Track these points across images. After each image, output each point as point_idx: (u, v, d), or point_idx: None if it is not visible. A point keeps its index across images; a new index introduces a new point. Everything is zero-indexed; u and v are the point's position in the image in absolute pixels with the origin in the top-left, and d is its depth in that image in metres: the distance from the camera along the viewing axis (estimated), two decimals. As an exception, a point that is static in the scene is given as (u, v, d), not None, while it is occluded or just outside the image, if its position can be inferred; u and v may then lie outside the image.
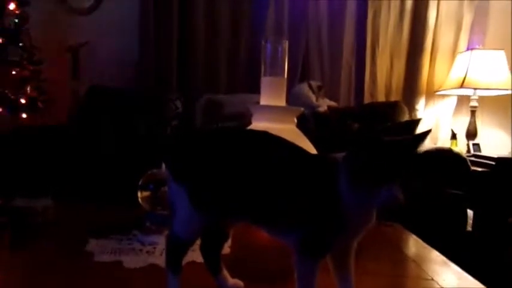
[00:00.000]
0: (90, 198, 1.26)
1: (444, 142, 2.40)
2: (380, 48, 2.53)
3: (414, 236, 1.03)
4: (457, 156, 1.70)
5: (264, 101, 0.72)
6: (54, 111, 2.19)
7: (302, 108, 0.73)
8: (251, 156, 0.55)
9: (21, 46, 2.10)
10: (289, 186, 0.53)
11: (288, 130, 0.69)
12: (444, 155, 1.72)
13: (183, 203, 0.57)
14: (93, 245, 0.79)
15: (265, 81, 0.72)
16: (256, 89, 2.42)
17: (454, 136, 2.26)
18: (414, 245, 1.00)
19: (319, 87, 2.39)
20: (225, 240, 0.65)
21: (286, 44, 0.74)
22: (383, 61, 2.54)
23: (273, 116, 0.69)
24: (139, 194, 0.85)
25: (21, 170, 1.59)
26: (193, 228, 0.59)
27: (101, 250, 0.76)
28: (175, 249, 0.59)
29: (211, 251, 0.64)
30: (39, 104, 2.18)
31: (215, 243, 0.64)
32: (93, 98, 2.24)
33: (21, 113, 2.11)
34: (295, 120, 0.72)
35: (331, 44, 2.57)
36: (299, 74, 2.56)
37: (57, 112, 2.20)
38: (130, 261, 0.71)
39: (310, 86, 2.37)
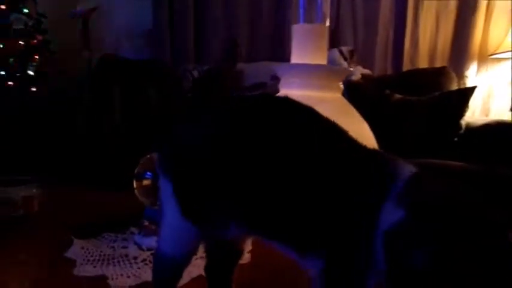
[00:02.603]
0: (93, 182, 1.11)
1: (499, 114, 2.09)
2: (424, 7, 2.20)
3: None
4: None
5: (296, 58, 0.50)
6: (65, 82, 2.05)
7: (351, 69, 0.51)
8: (265, 141, 0.36)
9: (25, 13, 1.94)
10: (318, 188, 0.34)
11: (332, 100, 0.48)
12: (507, 129, 1.45)
13: (170, 206, 0.39)
14: (77, 249, 0.63)
15: (298, 30, 0.50)
16: (279, 58, 2.20)
17: (514, 107, 1.95)
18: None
19: (351, 53, 2.11)
20: (237, 258, 0.46)
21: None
22: (427, 22, 2.21)
23: (311, 80, 0.47)
24: (134, 184, 0.67)
25: (22, 148, 1.45)
26: (184, 243, 0.41)
27: (86, 257, 0.60)
28: (164, 272, 0.41)
29: (218, 272, 0.45)
30: (49, 76, 2.05)
31: (223, 262, 0.45)
32: (105, 69, 2.08)
33: (30, 86, 1.98)
34: (342, 87, 0.50)
35: (366, 3, 2.26)
36: (328, 42, 2.27)
37: (67, 84, 2.06)
38: (119, 278, 0.54)
39: (341, 52, 2.10)
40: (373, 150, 0.38)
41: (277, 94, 0.52)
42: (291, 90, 0.50)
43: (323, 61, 0.51)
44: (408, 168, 0.34)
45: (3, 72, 1.86)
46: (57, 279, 0.54)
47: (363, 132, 0.49)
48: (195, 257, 0.47)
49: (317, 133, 0.37)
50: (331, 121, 0.38)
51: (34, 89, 1.99)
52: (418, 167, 0.35)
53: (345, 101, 0.51)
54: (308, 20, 0.51)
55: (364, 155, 0.37)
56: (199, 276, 0.53)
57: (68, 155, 1.45)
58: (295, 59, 0.50)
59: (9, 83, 1.84)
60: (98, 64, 2.10)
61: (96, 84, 1.98)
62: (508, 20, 2.07)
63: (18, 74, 1.90)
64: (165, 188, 0.41)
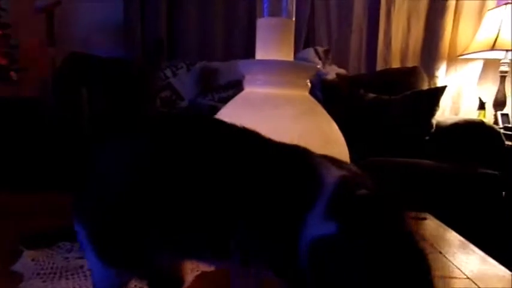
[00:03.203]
0: (52, 186, 1.04)
1: (468, 113, 2.14)
2: (396, 7, 2.23)
3: (436, 221, 0.85)
4: (490, 129, 1.46)
5: (261, 54, 0.47)
6: (27, 81, 1.94)
7: (318, 65, 0.48)
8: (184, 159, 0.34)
9: (-16, 7, 1.83)
10: (235, 195, 0.32)
11: (299, 98, 0.45)
12: (475, 127, 1.48)
13: (89, 254, 0.37)
14: (26, 261, 0.57)
15: (262, 24, 0.47)
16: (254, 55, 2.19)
17: (482, 106, 2.00)
18: (437, 231, 0.81)
19: (326, 52, 2.11)
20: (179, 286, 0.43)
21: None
22: (399, 22, 2.24)
23: (276, 77, 0.45)
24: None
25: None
26: None
27: (35, 270, 0.55)
28: None
29: None
30: (11, 74, 1.94)
31: None
32: (72, 67, 1.98)
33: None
34: (309, 84, 0.48)
35: (340, 3, 2.27)
36: (303, 38, 2.27)
37: (31, 83, 1.95)
38: (70, 292, 0.49)
39: (316, 52, 2.10)
40: (294, 151, 0.34)
41: (242, 92, 0.49)
42: (256, 88, 0.47)
43: (290, 57, 0.48)
44: (336, 172, 0.31)
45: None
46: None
47: (331, 132, 0.47)
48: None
49: (224, 140, 0.34)
50: (239, 127, 0.36)
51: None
52: (374, 166, 0.32)
53: (312, 100, 0.49)
54: (273, 13, 0.48)
55: (280, 158, 0.33)
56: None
57: (24, 160, 1.36)
58: (260, 55, 0.48)
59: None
60: (64, 62, 2.01)
61: (63, 83, 1.88)
62: (476, 21, 2.14)
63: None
64: (82, 236, 0.37)
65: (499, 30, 1.88)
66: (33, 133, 1.58)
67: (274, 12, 0.47)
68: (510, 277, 0.60)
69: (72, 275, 0.54)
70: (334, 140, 0.46)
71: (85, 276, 0.54)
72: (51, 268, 0.56)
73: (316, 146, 0.43)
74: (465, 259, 0.69)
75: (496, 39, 1.88)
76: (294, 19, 0.48)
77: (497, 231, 1.33)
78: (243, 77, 0.50)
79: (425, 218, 0.88)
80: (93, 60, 2.04)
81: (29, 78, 1.95)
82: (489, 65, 2.15)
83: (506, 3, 1.94)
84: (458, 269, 0.62)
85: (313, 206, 0.29)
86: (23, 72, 1.94)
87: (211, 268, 0.53)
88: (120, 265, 0.36)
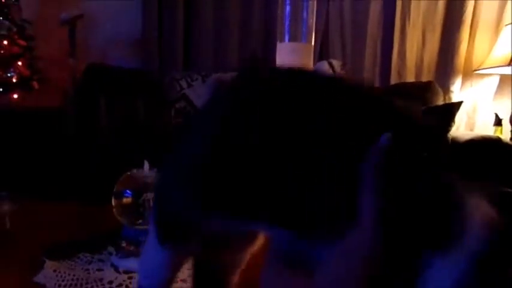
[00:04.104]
0: (75, 197, 1.07)
1: (483, 129, 2.12)
2: (411, 22, 2.23)
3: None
4: (508, 146, 1.44)
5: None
6: (49, 91, 2.00)
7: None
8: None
9: (10, 19, 1.91)
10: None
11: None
12: (492, 144, 1.46)
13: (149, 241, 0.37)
14: (48, 271, 0.59)
15: (282, 48, 0.49)
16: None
17: (499, 122, 1.98)
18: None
19: (342, 66, 2.12)
20: (233, 271, 0.43)
21: (314, 1, 0.51)
22: (414, 36, 2.24)
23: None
24: (113, 202, 0.64)
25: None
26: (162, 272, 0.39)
27: (57, 281, 0.56)
28: None
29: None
30: (34, 84, 2.00)
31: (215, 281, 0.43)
32: (91, 78, 2.04)
33: (13, 93, 1.93)
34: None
35: (354, 17, 2.28)
36: (318, 51, 2.29)
37: (52, 94, 2.02)
38: (91, 305, 0.51)
39: (331, 65, 2.11)
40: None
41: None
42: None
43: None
44: (485, 208, 0.25)
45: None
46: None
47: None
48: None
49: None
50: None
51: (15, 96, 1.95)
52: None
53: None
54: (293, 37, 0.49)
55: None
56: None
57: (47, 170, 1.40)
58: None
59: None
60: (84, 73, 2.07)
61: (82, 93, 1.94)
62: (492, 36, 2.12)
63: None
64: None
65: (516, 46, 1.87)
66: (54, 142, 1.63)
67: (294, 37, 0.49)
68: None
69: (91, 287, 0.56)
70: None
71: (104, 287, 0.56)
72: (72, 280, 0.57)
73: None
74: None
75: (513, 55, 1.86)
76: (312, 43, 0.49)
77: None
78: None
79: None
80: (111, 71, 2.10)
81: (51, 88, 2.01)
82: (505, 80, 2.13)
83: (523, 19, 1.93)
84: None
85: (445, 249, 0.23)
86: (45, 83, 2.01)
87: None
88: (178, 238, 0.36)
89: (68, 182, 1.31)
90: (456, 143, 1.61)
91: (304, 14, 0.50)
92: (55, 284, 0.56)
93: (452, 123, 1.60)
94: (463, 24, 2.15)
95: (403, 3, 2.22)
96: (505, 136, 1.96)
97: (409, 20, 2.23)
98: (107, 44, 2.31)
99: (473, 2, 2.12)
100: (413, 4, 2.21)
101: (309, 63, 0.49)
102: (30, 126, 1.65)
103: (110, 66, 2.14)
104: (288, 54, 0.48)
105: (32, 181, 1.29)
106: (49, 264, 0.61)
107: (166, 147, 0.40)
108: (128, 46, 2.37)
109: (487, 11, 2.13)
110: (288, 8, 0.51)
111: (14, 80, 1.92)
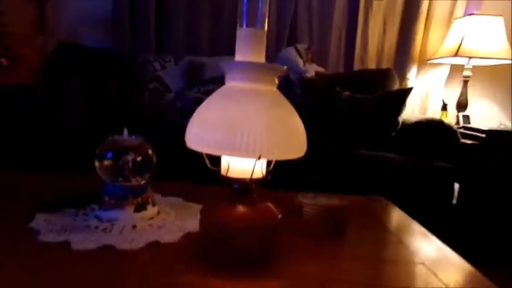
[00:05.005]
0: (48, 166, 1.14)
1: (434, 113, 2.33)
2: (373, 12, 2.39)
3: (399, 210, 0.97)
4: (447, 127, 1.63)
5: (239, 56, 0.60)
6: (18, 69, 2.00)
7: (285, 67, 0.62)
8: None
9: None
10: None
11: (267, 92, 0.58)
12: (435, 126, 1.65)
13: None
14: (40, 221, 0.68)
15: (241, 33, 0.60)
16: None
17: (444, 107, 2.19)
18: (398, 220, 0.94)
19: (307, 50, 2.25)
20: None
21: (269, -8, 0.62)
22: (376, 26, 2.40)
23: (250, 75, 0.57)
24: (96, 163, 0.74)
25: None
26: None
27: (49, 227, 0.66)
28: None
29: None
30: (3, 61, 1.99)
31: None
32: (62, 56, 2.06)
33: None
34: (276, 81, 0.61)
35: (321, 6, 2.41)
36: (286, 37, 2.41)
37: (21, 71, 2.02)
38: (81, 242, 0.61)
39: (298, 50, 2.24)
40: None
41: (222, 86, 0.62)
42: (234, 83, 0.60)
43: (261, 60, 0.61)
44: None
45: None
46: (21, 245, 0.60)
47: (292, 121, 0.60)
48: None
49: None
50: None
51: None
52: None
53: (278, 94, 0.61)
54: (250, 24, 0.61)
55: None
56: (156, 242, 0.62)
57: (27, 142, 1.45)
58: (238, 57, 0.61)
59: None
60: (55, 51, 2.07)
61: (54, 73, 1.96)
62: (445, 28, 2.31)
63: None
64: None
65: (462, 39, 2.06)
66: (23, 119, 1.66)
67: (251, 24, 0.60)
68: (465, 264, 0.66)
69: (80, 231, 0.66)
70: (293, 128, 0.59)
71: (91, 232, 0.66)
72: (61, 226, 0.67)
73: (280, 132, 0.56)
74: (409, 233, 0.82)
75: (459, 47, 2.06)
76: (265, 29, 0.61)
77: (448, 219, 1.50)
78: (225, 73, 0.62)
79: (378, 200, 1.02)
80: (83, 49, 2.12)
81: (20, 65, 2.01)
82: (455, 70, 2.34)
83: (470, 14, 2.12)
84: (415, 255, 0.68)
85: None
86: (15, 60, 2.00)
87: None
88: None
89: (42, 155, 1.37)
90: (407, 124, 1.79)
91: (259, 2, 0.61)
92: (47, 229, 0.65)
93: (404, 107, 1.77)
94: (420, 16, 2.32)
95: (366, -6, 2.36)
96: (450, 120, 2.17)
97: (371, 10, 2.38)
98: (76, 22, 2.31)
99: (429, -3, 2.30)
100: (375, -4, 2.35)
101: (262, 46, 0.61)
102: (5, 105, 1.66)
103: (82, 44, 2.15)
104: (245, 39, 0.60)
105: (9, 153, 1.34)
106: (39, 216, 0.70)
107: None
108: (99, 25, 2.37)
109: (441, 6, 2.32)
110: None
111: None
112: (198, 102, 0.66)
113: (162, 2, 2.34)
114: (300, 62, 2.18)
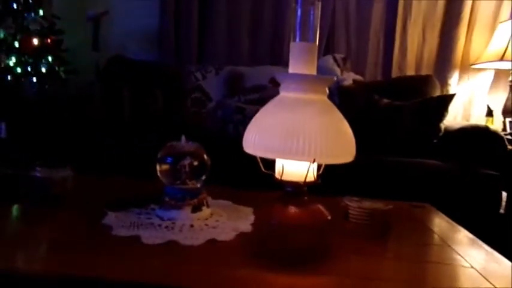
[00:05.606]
0: (109, 171, 1.24)
1: (478, 119, 2.26)
2: (412, 18, 2.37)
3: (444, 216, 0.97)
4: (493, 134, 1.58)
5: (293, 69, 0.65)
6: (75, 82, 2.18)
7: (334, 77, 0.66)
8: None
9: (41, 15, 2.08)
10: None
11: (319, 101, 0.63)
12: (480, 132, 1.61)
13: None
14: (111, 218, 0.77)
15: (295, 47, 0.65)
16: (278, 62, 2.35)
17: (490, 113, 2.12)
18: (444, 225, 0.94)
19: (344, 60, 2.27)
20: None
21: (319, 7, 0.67)
22: (415, 32, 2.37)
23: (303, 86, 0.62)
24: (157, 167, 0.81)
25: (42, 140, 1.59)
26: None
27: (119, 224, 0.74)
28: None
29: None
30: (61, 74, 2.18)
31: None
32: (113, 69, 2.22)
33: (44, 84, 2.11)
34: (327, 91, 0.65)
35: (358, 13, 2.42)
36: (323, 46, 2.44)
37: (78, 83, 2.19)
38: (149, 237, 0.68)
39: (335, 59, 2.26)
40: None
41: (277, 96, 0.67)
42: (288, 93, 0.65)
43: (313, 72, 0.66)
44: None
45: (19, 70, 2.00)
46: (100, 238, 0.69)
47: (342, 126, 0.64)
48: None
49: None
50: None
51: (47, 86, 2.12)
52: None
53: (328, 102, 0.66)
54: (303, 39, 0.66)
55: None
56: (212, 240, 0.68)
57: (82, 149, 1.58)
58: (292, 69, 0.66)
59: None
60: (107, 64, 2.24)
61: (106, 83, 2.11)
62: (489, 32, 2.25)
63: (32, 72, 2.04)
64: None
65: (508, 42, 2.00)
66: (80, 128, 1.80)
67: (303, 38, 0.65)
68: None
69: (146, 227, 0.73)
70: (344, 133, 0.63)
71: (155, 228, 0.73)
72: (130, 222, 0.75)
73: (332, 137, 0.60)
74: (457, 240, 0.82)
75: (505, 51, 1.99)
76: (317, 43, 0.66)
77: (495, 229, 1.45)
78: (273, 81, 0.68)
79: (423, 206, 1.03)
80: (132, 63, 2.27)
81: (77, 78, 2.19)
82: (500, 74, 2.26)
83: (516, 17, 2.05)
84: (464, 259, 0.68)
85: None
86: (71, 74, 2.18)
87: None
88: None
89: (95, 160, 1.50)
90: (449, 131, 1.76)
91: (311, 18, 0.66)
92: (118, 225, 0.73)
93: (446, 113, 1.74)
94: (461, 21, 2.27)
95: (405, 1, 2.34)
96: (496, 126, 2.10)
97: (410, 16, 2.36)
98: (126, 38, 2.46)
99: (471, 1, 2.25)
100: (414, 3, 2.34)
101: (314, 58, 0.66)
102: (63, 113, 1.82)
103: (130, 58, 2.30)
104: (299, 52, 0.65)
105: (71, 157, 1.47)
106: (110, 214, 0.79)
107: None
108: (146, 40, 2.52)
109: (484, 9, 2.26)
110: (299, 11, 0.66)
111: (44, 71, 2.10)
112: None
113: (204, 15, 2.45)
114: (338, 70, 2.20)
